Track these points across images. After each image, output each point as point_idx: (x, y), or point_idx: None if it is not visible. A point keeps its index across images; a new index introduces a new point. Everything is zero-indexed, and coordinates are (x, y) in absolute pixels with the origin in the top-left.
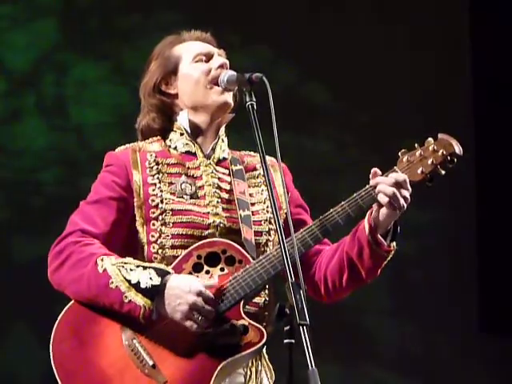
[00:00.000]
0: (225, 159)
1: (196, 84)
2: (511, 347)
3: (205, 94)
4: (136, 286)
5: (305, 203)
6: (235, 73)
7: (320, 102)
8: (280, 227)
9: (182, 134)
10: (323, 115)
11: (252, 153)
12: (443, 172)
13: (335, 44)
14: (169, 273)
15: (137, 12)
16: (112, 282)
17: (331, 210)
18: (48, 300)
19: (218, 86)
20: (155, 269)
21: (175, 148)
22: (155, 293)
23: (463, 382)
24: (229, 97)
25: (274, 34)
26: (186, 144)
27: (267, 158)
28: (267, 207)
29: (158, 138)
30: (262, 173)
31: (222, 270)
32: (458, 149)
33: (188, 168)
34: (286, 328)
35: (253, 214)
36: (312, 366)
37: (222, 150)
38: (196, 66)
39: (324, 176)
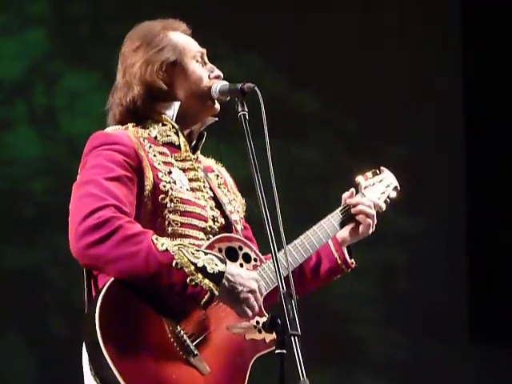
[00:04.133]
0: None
1: (198, 83)
2: (501, 356)
3: (201, 93)
4: (202, 270)
5: None
6: (227, 83)
7: (310, 110)
8: (272, 236)
9: (164, 125)
10: (313, 123)
11: (202, 156)
12: (388, 201)
13: (325, 52)
14: (226, 261)
15: (127, 21)
16: (176, 263)
17: (314, 228)
18: (38, 309)
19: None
20: (215, 255)
21: (155, 138)
22: (221, 278)
23: None
24: (218, 105)
25: (264, 43)
26: (168, 136)
27: (208, 160)
28: (235, 207)
29: (134, 124)
30: (219, 174)
31: (241, 265)
32: (397, 183)
33: (176, 160)
34: (278, 338)
35: (230, 213)
36: (303, 377)
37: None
38: (197, 66)
39: (313, 184)
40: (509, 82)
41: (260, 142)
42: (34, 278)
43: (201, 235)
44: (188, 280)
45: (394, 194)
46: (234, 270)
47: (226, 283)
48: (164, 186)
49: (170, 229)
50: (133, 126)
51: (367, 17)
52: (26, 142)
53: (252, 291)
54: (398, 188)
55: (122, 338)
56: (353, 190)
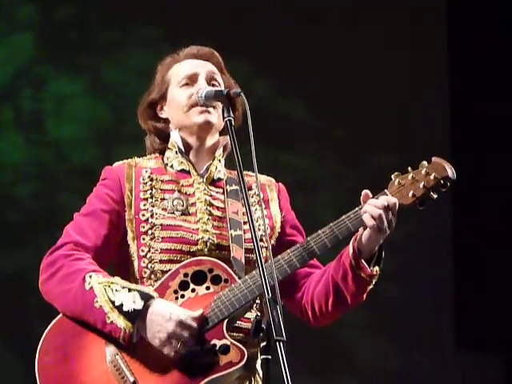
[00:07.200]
0: (220, 179)
1: (178, 109)
2: (486, 364)
3: (185, 117)
4: (119, 308)
5: (300, 225)
6: (213, 88)
7: (298, 116)
8: (257, 244)
9: (177, 153)
10: (300, 129)
11: (250, 172)
12: (435, 196)
13: (314, 59)
14: (153, 297)
15: (115, 26)
16: (97, 301)
17: (319, 232)
18: (24, 314)
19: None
20: (140, 292)
21: (171, 166)
22: (136, 317)
23: None
24: (210, 116)
25: (252, 49)
26: (181, 162)
27: (264, 177)
28: (259, 225)
29: (157, 155)
30: (256, 192)
31: (207, 288)
32: (450, 172)
33: (182, 185)
34: (263, 344)
35: (244, 232)
36: (289, 383)
37: (218, 170)
38: (180, 92)
39: (301, 190)
40: (497, 89)
41: (248, 147)
42: (20, 282)
43: (188, 258)
44: (106, 318)
45: (442, 187)
46: (157, 308)
47: (145, 321)
48: (143, 215)
49: (151, 255)
50: (155, 158)
51: (356, 26)
52: (13, 146)
53: (170, 334)
54: (451, 177)
55: (57, 371)
56: (366, 191)
